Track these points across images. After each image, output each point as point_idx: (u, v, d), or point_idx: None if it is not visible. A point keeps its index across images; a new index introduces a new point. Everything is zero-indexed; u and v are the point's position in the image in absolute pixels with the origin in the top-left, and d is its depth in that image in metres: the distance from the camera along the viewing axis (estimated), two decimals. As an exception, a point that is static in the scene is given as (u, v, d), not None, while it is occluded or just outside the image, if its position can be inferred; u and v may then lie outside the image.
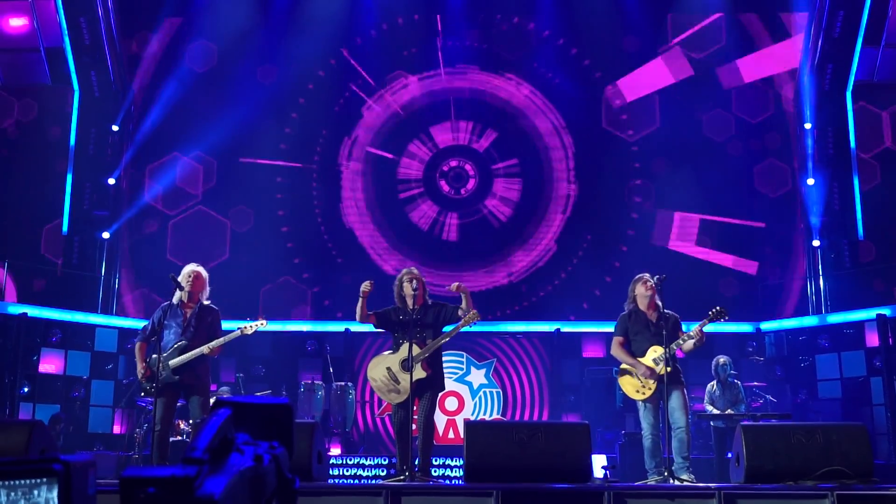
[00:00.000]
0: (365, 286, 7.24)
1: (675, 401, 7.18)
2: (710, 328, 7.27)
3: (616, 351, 7.53)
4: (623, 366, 7.47)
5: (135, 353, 7.34)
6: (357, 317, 7.34)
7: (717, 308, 7.26)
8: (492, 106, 14.25)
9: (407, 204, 14.12)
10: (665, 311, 7.42)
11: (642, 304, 7.49)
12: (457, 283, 7.28)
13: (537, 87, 14.25)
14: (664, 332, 7.22)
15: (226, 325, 7.48)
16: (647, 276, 7.56)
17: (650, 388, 7.21)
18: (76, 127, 13.57)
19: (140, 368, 7.18)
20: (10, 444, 5.42)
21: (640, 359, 7.32)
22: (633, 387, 7.34)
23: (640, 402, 7.30)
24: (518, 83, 14.30)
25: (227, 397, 1.84)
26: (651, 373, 7.19)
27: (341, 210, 14.09)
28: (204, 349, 7.10)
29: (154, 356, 7.14)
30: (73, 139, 13.55)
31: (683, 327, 7.45)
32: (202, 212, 13.98)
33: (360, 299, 7.25)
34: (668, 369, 7.16)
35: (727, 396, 9.91)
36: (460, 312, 7.25)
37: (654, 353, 7.26)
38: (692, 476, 6.96)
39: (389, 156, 14.22)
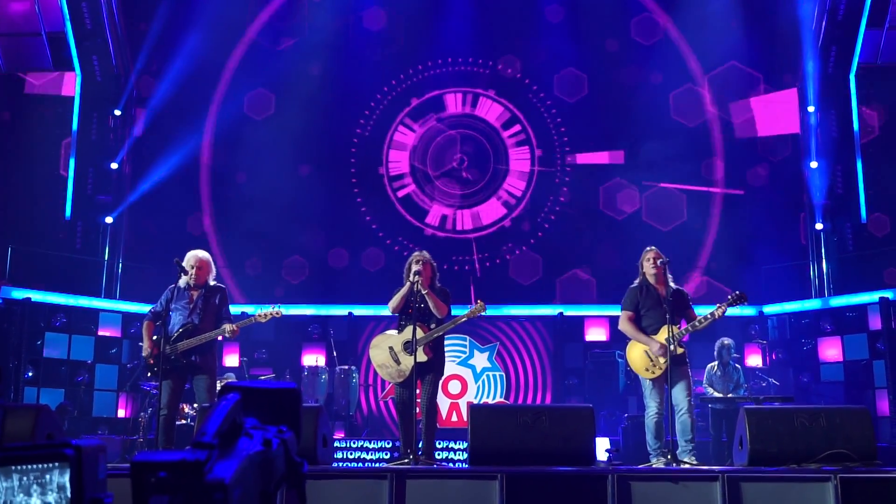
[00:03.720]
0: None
1: (680, 382, 6.99)
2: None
3: (625, 326, 7.24)
4: (633, 341, 7.20)
5: (142, 333, 7.31)
6: (394, 304, 7.15)
7: (737, 293, 7.06)
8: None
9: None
10: (673, 285, 7.18)
11: (650, 279, 7.28)
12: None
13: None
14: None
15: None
16: (654, 251, 7.33)
17: (660, 367, 6.98)
18: (78, 112, 13.53)
19: (146, 347, 7.09)
20: (16, 428, 5.43)
21: (653, 336, 7.07)
22: (643, 364, 7.06)
23: (647, 381, 7.06)
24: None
25: (234, 382, 1.85)
26: (665, 351, 6.93)
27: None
28: (226, 330, 6.99)
29: (156, 337, 7.08)
30: (76, 124, 13.51)
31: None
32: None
33: (409, 284, 7.12)
34: (681, 350, 7.04)
35: (727, 379, 9.89)
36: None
37: (669, 331, 6.97)
38: (694, 459, 6.88)
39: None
